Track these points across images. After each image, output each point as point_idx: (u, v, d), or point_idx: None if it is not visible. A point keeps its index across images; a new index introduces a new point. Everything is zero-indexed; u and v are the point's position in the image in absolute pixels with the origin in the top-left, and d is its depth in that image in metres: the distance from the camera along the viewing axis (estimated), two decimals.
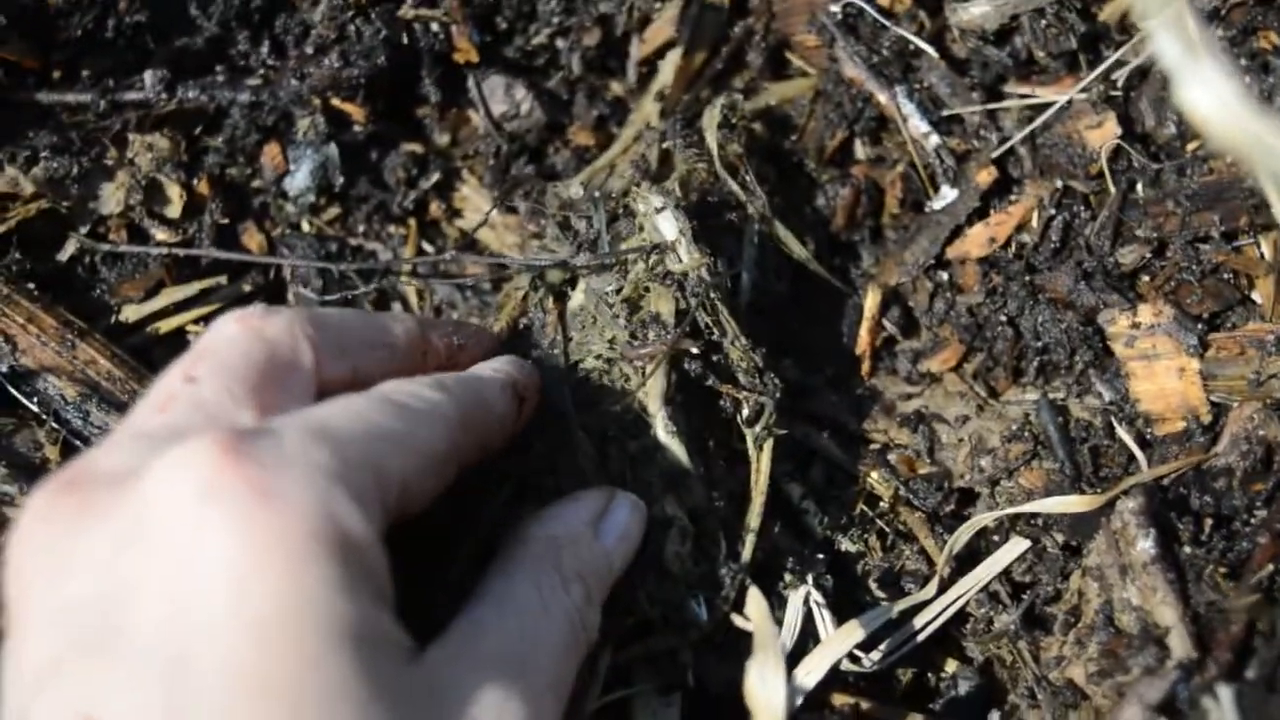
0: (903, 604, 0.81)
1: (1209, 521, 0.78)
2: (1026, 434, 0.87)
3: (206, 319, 0.94)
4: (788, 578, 0.78)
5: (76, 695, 0.49)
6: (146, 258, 0.94)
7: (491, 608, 0.62)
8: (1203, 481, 0.80)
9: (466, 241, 1.00)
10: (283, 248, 0.99)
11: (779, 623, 0.75)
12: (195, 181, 0.97)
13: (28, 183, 0.91)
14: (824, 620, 0.77)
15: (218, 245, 0.96)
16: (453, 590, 0.66)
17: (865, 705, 0.77)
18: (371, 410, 0.60)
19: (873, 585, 0.84)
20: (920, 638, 0.80)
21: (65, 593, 0.52)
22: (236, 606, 0.49)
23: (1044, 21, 0.95)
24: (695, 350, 0.79)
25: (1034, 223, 0.93)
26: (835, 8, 0.98)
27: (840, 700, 0.77)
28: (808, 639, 0.76)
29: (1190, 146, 0.92)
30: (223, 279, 0.96)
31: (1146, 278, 0.90)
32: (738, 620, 0.73)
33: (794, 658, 0.74)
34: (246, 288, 0.97)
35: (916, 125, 0.95)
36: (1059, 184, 0.92)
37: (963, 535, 0.82)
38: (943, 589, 0.82)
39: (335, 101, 0.97)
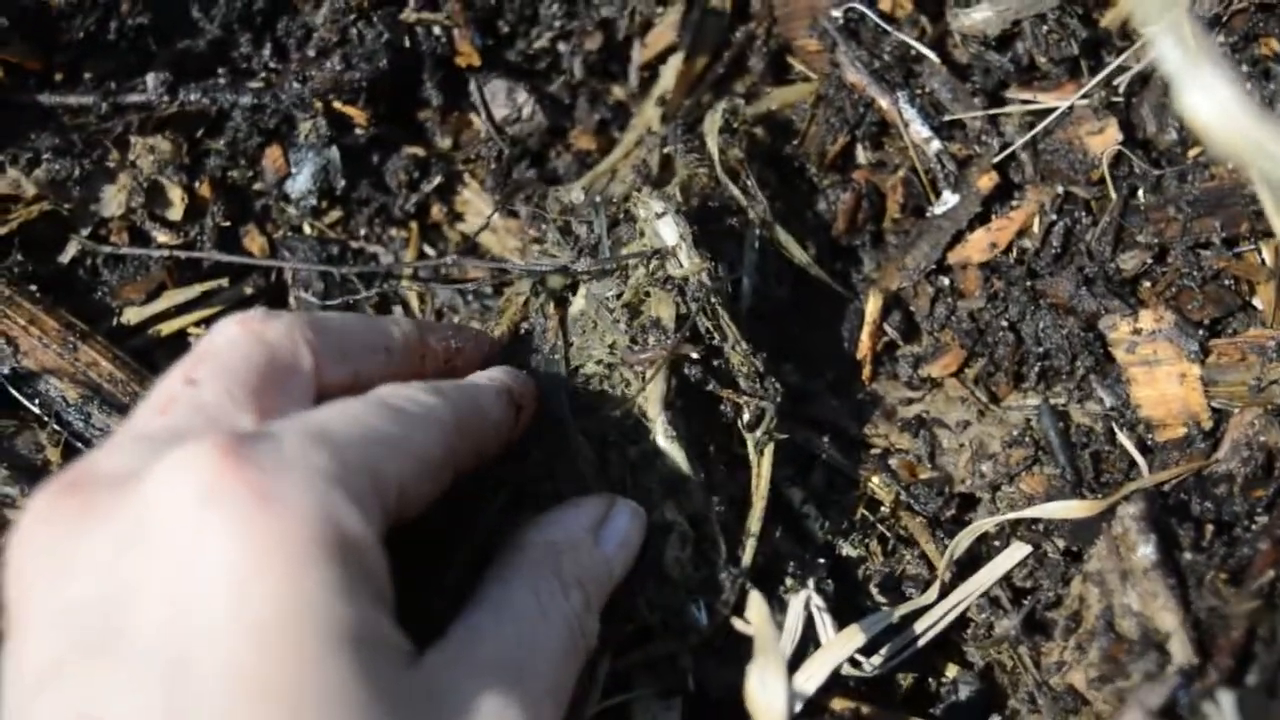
0: (904, 609, 0.81)
1: (1210, 527, 0.78)
2: (1027, 439, 0.87)
3: (208, 321, 0.95)
4: (789, 582, 0.78)
5: (77, 697, 0.49)
6: (148, 260, 0.94)
7: (489, 613, 0.62)
8: (1203, 487, 0.80)
9: (468, 245, 1.00)
10: (284, 250, 0.99)
11: (779, 627, 0.75)
12: (197, 184, 0.97)
13: (30, 185, 0.91)
14: (825, 625, 0.76)
15: (219, 248, 0.96)
16: (450, 596, 0.66)
17: (866, 710, 0.77)
18: (369, 414, 0.60)
19: (874, 590, 0.84)
20: (921, 642, 0.80)
21: (66, 595, 0.52)
22: (237, 609, 0.49)
23: (1046, 27, 0.95)
24: (695, 355, 0.79)
25: (1035, 228, 0.92)
26: (837, 12, 0.98)
27: (841, 705, 0.76)
28: (808, 643, 0.76)
29: (1192, 153, 0.92)
30: (224, 281, 0.96)
31: (1148, 283, 0.90)
32: (738, 624, 0.73)
33: (794, 662, 0.74)
34: (248, 290, 0.97)
35: (918, 130, 0.95)
36: (1060, 189, 0.92)
37: (964, 540, 0.82)
38: (944, 594, 0.82)
39: (337, 104, 0.97)
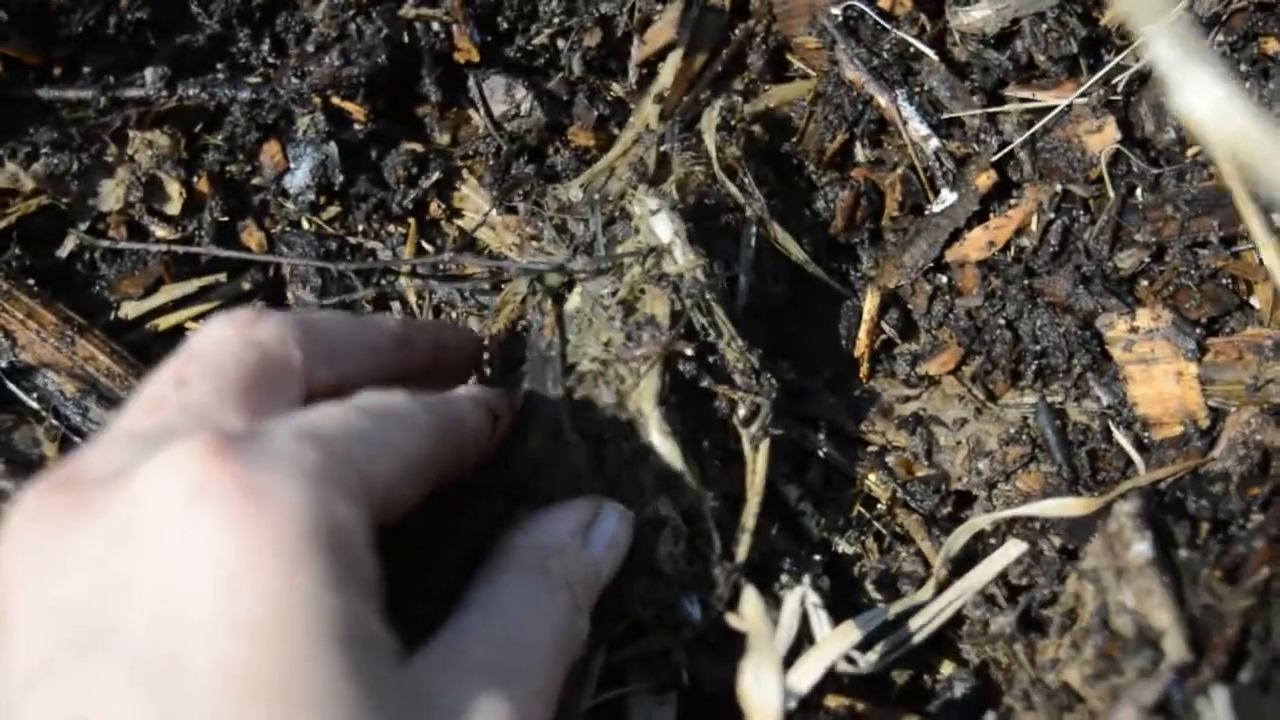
0: (899, 606, 0.81)
1: (1205, 525, 0.78)
2: (1024, 437, 0.88)
3: (206, 316, 0.95)
4: (784, 578, 0.78)
5: (68, 695, 0.49)
6: (146, 255, 0.94)
7: (477, 616, 0.62)
8: (1199, 486, 0.80)
9: (466, 241, 1.00)
10: (282, 245, 0.99)
11: (774, 623, 0.75)
12: (195, 179, 0.97)
13: (28, 179, 0.92)
14: (820, 621, 0.76)
15: (217, 243, 0.97)
16: (437, 599, 0.66)
17: (861, 707, 0.77)
18: (355, 416, 0.60)
19: (869, 587, 0.84)
20: (916, 640, 0.80)
21: (56, 592, 0.52)
22: (226, 606, 0.49)
23: (1045, 25, 0.95)
24: (690, 352, 0.78)
25: (1033, 226, 0.93)
26: (836, 10, 0.98)
27: (835, 702, 0.77)
28: (803, 640, 0.76)
29: (1190, 152, 0.92)
30: (222, 276, 0.97)
31: (1145, 282, 0.90)
32: (732, 620, 0.73)
33: (789, 658, 0.74)
34: (246, 285, 0.97)
35: (916, 128, 0.95)
36: (1058, 188, 0.92)
37: (960, 537, 0.82)
38: (939, 591, 0.82)
39: (335, 100, 0.97)
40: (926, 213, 0.95)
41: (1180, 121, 0.89)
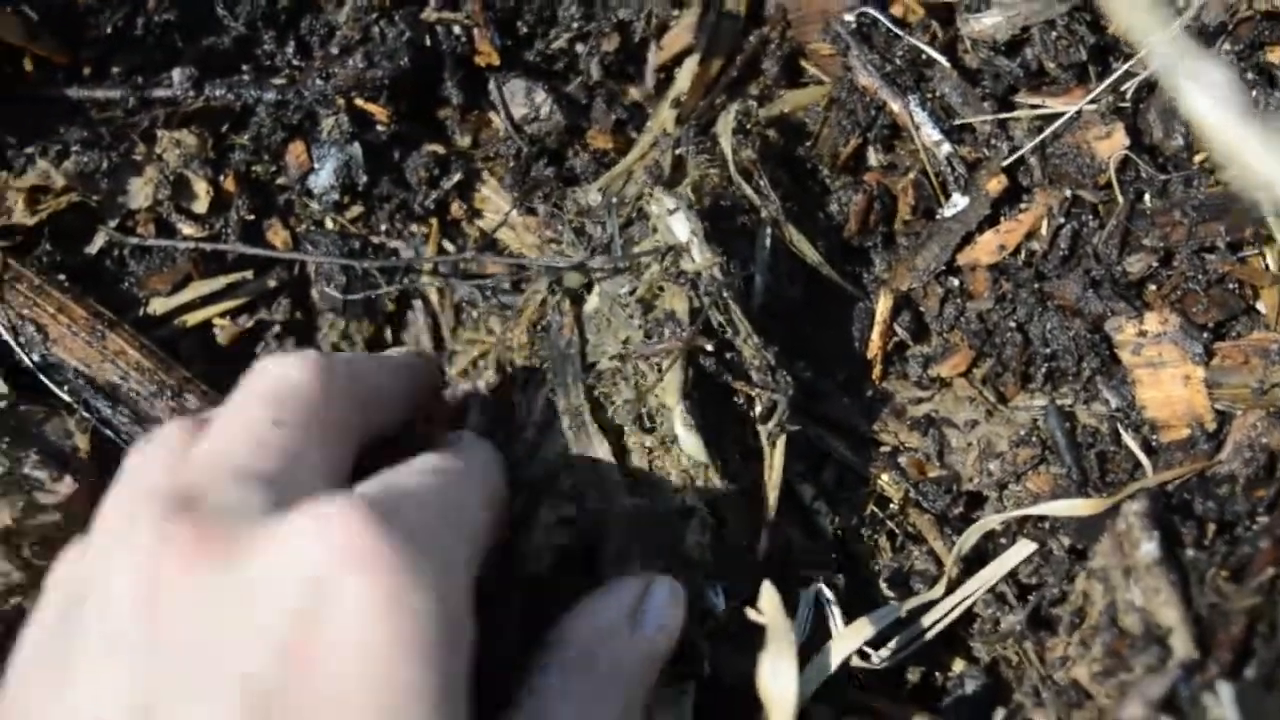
0: (911, 603, 0.82)
1: (1212, 526, 0.79)
2: (1034, 439, 0.89)
3: (233, 313, 0.97)
4: (800, 574, 0.80)
5: None
6: (174, 251, 0.96)
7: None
8: (1206, 488, 0.81)
9: (486, 241, 1.02)
10: (307, 244, 1.01)
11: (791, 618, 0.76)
12: (222, 178, 0.99)
13: (59, 176, 0.93)
14: (834, 617, 0.78)
15: (243, 241, 0.98)
16: (485, 696, 0.66)
17: (874, 702, 0.78)
18: (441, 480, 0.62)
19: (882, 585, 0.86)
20: (928, 637, 0.82)
21: (166, 635, 0.52)
22: (369, 691, 0.50)
23: (1054, 33, 0.96)
24: (710, 348, 0.80)
25: (1043, 231, 0.94)
26: (849, 17, 1.00)
27: (849, 696, 0.78)
28: (818, 635, 0.78)
29: (1198, 158, 0.93)
30: (249, 274, 0.98)
31: (1153, 287, 0.91)
32: (751, 613, 0.75)
33: (805, 653, 0.76)
34: (272, 283, 0.99)
35: (928, 134, 0.97)
36: (1068, 193, 0.94)
37: (971, 537, 0.84)
38: (951, 589, 0.83)
39: (359, 102, 0.99)
40: (938, 217, 0.96)
41: (1190, 127, 0.90)
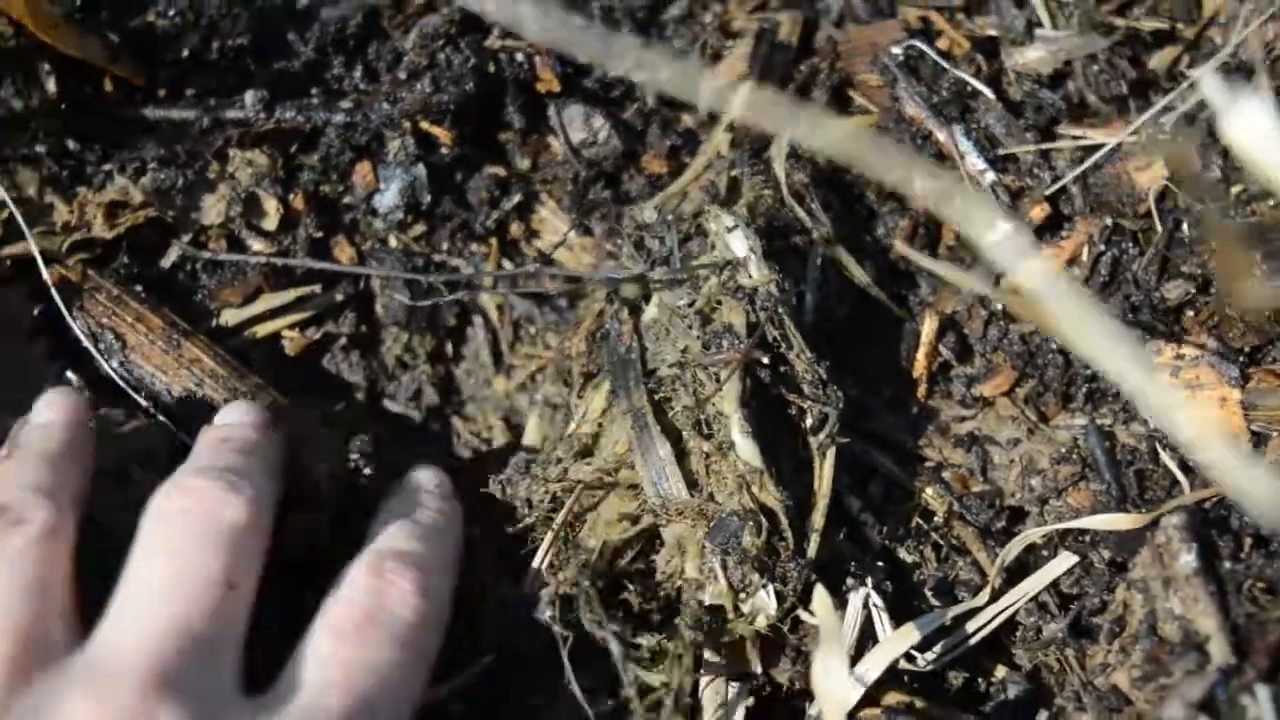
0: (956, 610, 0.85)
1: (1248, 540, 0.82)
2: (1075, 457, 0.91)
3: (302, 325, 1.00)
4: (849, 581, 0.82)
5: None
6: (245, 266, 0.99)
7: None
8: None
9: (544, 261, 1.05)
10: (372, 261, 1.04)
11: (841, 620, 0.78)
12: (291, 196, 1.02)
13: (136, 191, 0.96)
14: (882, 622, 0.80)
15: (311, 257, 1.01)
16: None
17: (920, 704, 0.80)
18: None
19: (928, 593, 0.88)
20: (972, 642, 0.84)
21: None
22: None
23: (1096, 67, 0.99)
24: (766, 360, 0.83)
25: (1084, 257, 0.96)
26: (897, 49, 1.03)
27: (896, 698, 0.80)
28: (867, 639, 0.80)
29: (1234, 190, 0.95)
30: (317, 288, 1.02)
31: (1190, 312, 0.93)
32: (804, 615, 0.77)
33: (854, 655, 0.78)
34: (339, 297, 1.02)
35: (973, 162, 0.99)
36: (1108, 221, 0.96)
37: (1013, 549, 0.86)
38: (994, 598, 0.86)
39: (424, 125, 1.02)
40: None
41: (1227, 159, 0.93)
